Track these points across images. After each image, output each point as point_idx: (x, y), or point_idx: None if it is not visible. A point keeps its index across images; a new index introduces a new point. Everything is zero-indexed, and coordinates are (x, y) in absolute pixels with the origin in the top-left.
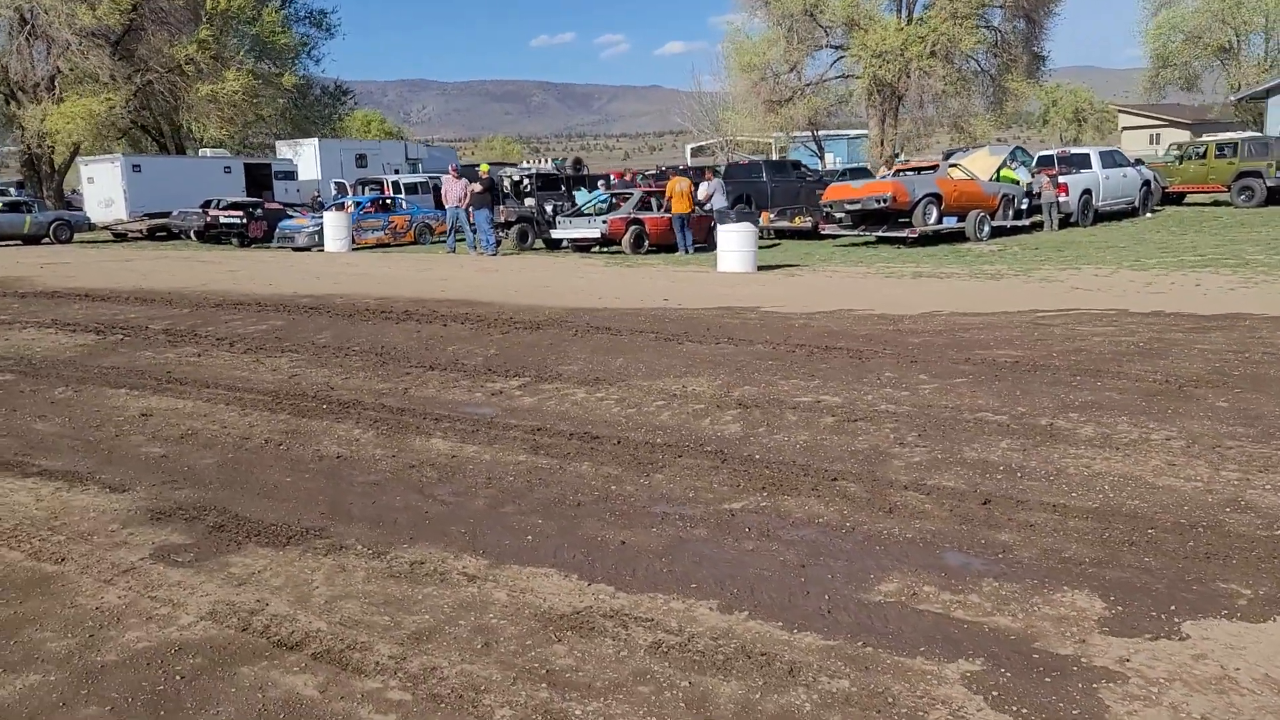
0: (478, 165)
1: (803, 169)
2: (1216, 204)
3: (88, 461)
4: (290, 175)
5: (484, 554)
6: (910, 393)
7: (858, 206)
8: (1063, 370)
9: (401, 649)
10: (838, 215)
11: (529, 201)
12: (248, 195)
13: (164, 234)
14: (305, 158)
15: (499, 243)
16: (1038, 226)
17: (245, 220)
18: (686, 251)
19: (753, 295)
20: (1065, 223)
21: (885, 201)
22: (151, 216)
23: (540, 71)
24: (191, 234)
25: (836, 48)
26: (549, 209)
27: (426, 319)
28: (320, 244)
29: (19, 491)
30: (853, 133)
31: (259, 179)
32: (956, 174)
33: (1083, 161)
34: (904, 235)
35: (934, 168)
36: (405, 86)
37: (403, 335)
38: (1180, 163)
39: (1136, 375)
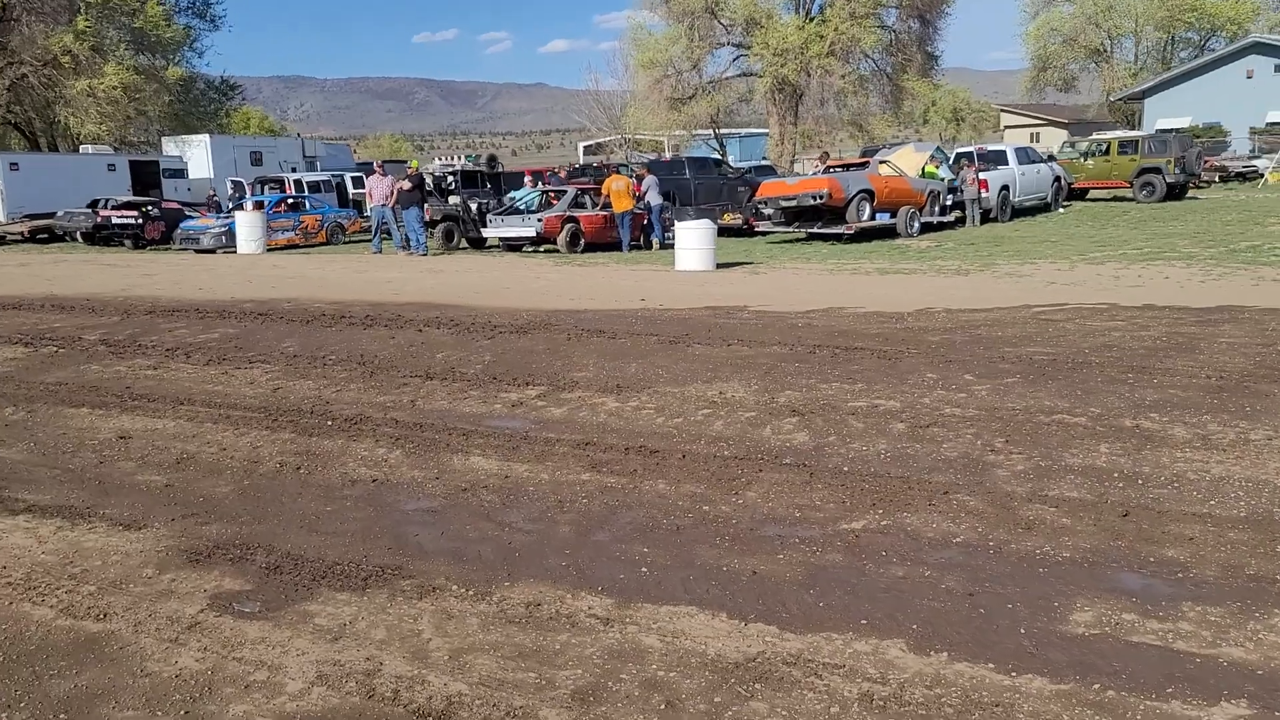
0: (396, 163)
1: (724, 166)
2: (1116, 199)
3: (79, 494)
4: (180, 174)
5: (604, 591)
6: (966, 394)
7: (793, 203)
8: (1106, 367)
9: (572, 713)
10: (768, 212)
11: (453, 199)
12: (134, 194)
13: (46, 236)
14: (195, 155)
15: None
16: (960, 222)
17: (140, 221)
18: (627, 249)
19: (730, 294)
20: (985, 218)
21: (821, 198)
22: (33, 218)
23: (423, 69)
24: (78, 236)
25: (737, 46)
26: (473, 207)
27: (395, 324)
28: (227, 245)
29: (12, 532)
30: (743, 131)
31: (146, 178)
32: (886, 170)
33: (999, 158)
34: (840, 231)
35: (865, 164)
36: (281, 83)
37: (378, 342)
38: (1085, 159)
39: (1185, 371)
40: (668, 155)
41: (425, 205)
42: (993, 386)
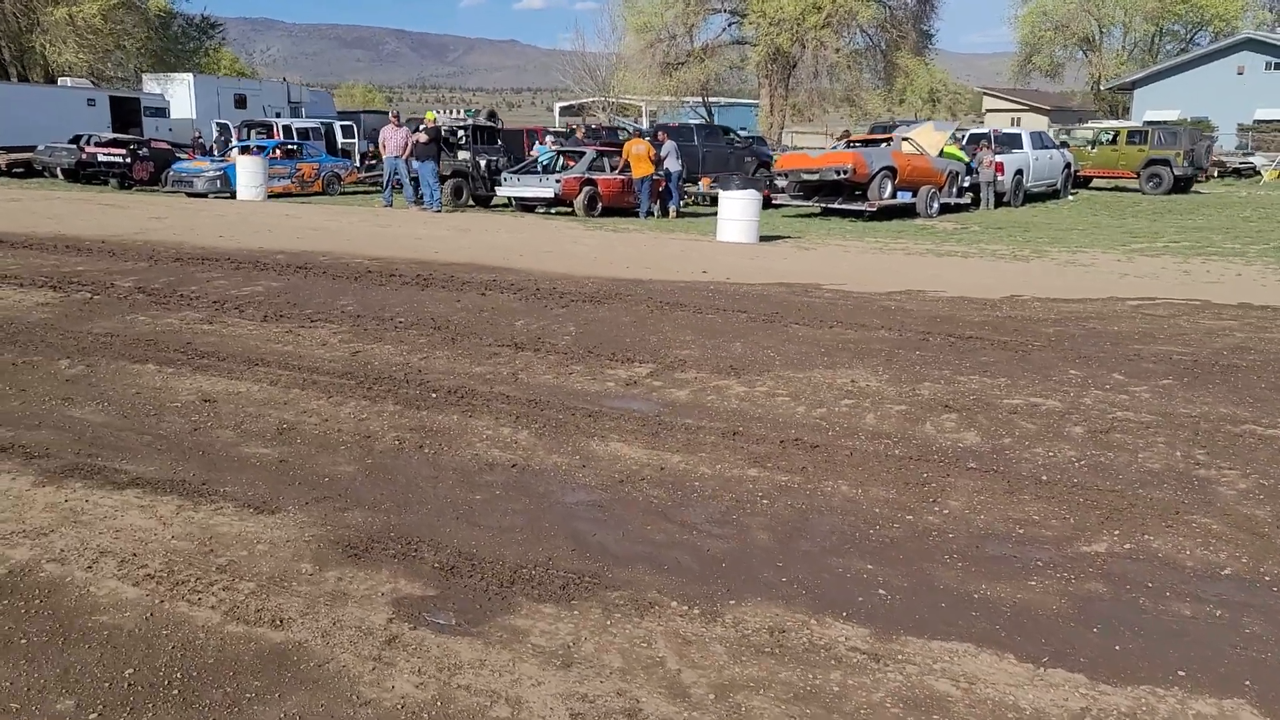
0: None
1: (733, 135)
2: (1118, 189)
3: (185, 467)
4: (161, 112)
5: (851, 618)
6: (1127, 396)
7: (815, 177)
8: (1259, 372)
9: None
10: (782, 185)
11: (462, 155)
12: (114, 131)
13: (22, 170)
14: (178, 95)
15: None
16: (975, 204)
17: (129, 160)
18: (645, 215)
19: (792, 270)
20: (998, 201)
21: (846, 173)
22: (8, 150)
23: (394, 19)
24: (58, 172)
25: (733, 12)
26: (482, 164)
27: (452, 286)
28: (221, 190)
29: (127, 510)
30: (722, 100)
31: (126, 115)
32: (908, 148)
33: (1015, 141)
34: (864, 208)
35: (887, 141)
36: (248, 25)
37: (443, 305)
38: (1092, 147)
39: None
40: (645, 122)
41: (440, 159)
42: (1150, 388)
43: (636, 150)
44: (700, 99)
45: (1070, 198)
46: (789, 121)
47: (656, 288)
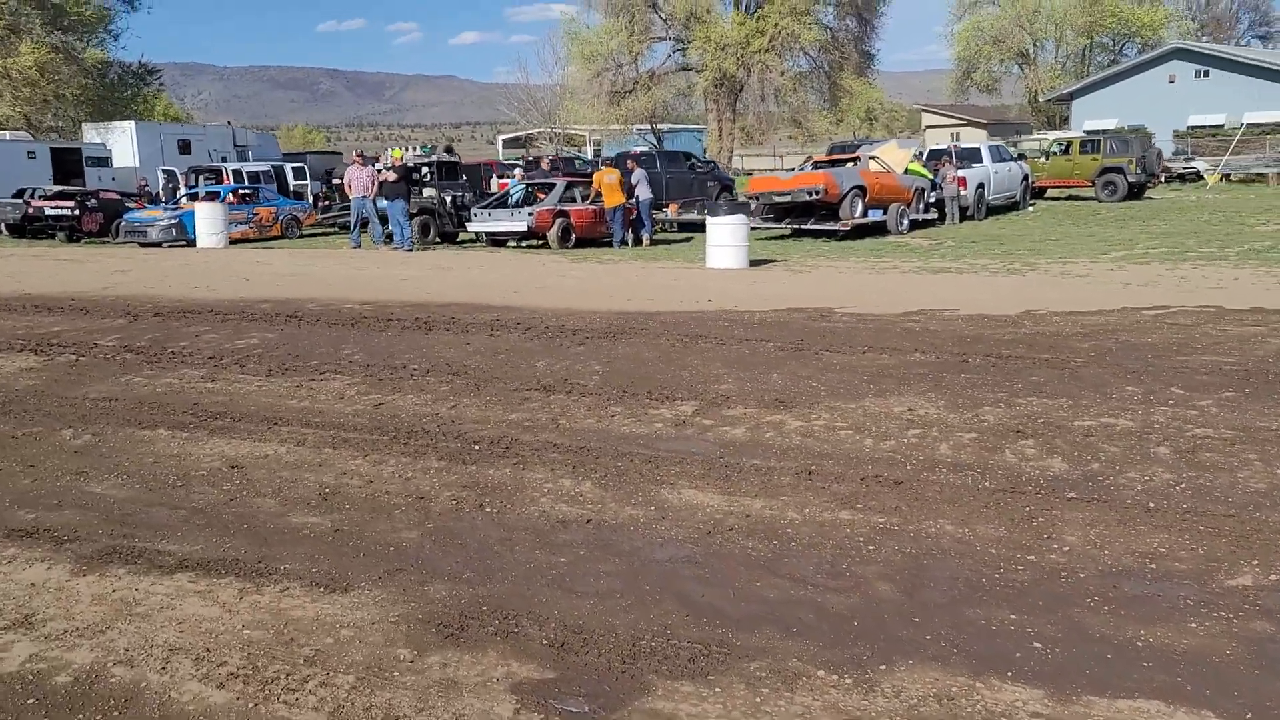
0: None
1: (694, 160)
2: (1072, 198)
3: (232, 542)
4: (103, 162)
5: (1017, 677)
6: (1197, 411)
7: (787, 198)
8: None
9: None
10: (754, 208)
11: (427, 192)
12: (55, 183)
13: None
14: (120, 143)
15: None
16: (940, 219)
17: (77, 211)
18: (619, 245)
19: (797, 295)
20: (963, 216)
21: (817, 194)
22: None
23: (328, 59)
24: (3, 227)
25: (677, 40)
26: (448, 200)
27: (456, 328)
28: (176, 239)
29: (184, 597)
30: (666, 126)
31: (68, 166)
32: (875, 166)
33: (974, 156)
34: (837, 228)
35: (855, 160)
36: (178, 69)
37: (453, 349)
38: (1046, 158)
39: None
40: (589, 151)
41: (410, 198)
42: (1216, 401)
43: (608, 180)
44: (649, 126)
45: (1030, 209)
46: (738, 145)
47: (668, 320)
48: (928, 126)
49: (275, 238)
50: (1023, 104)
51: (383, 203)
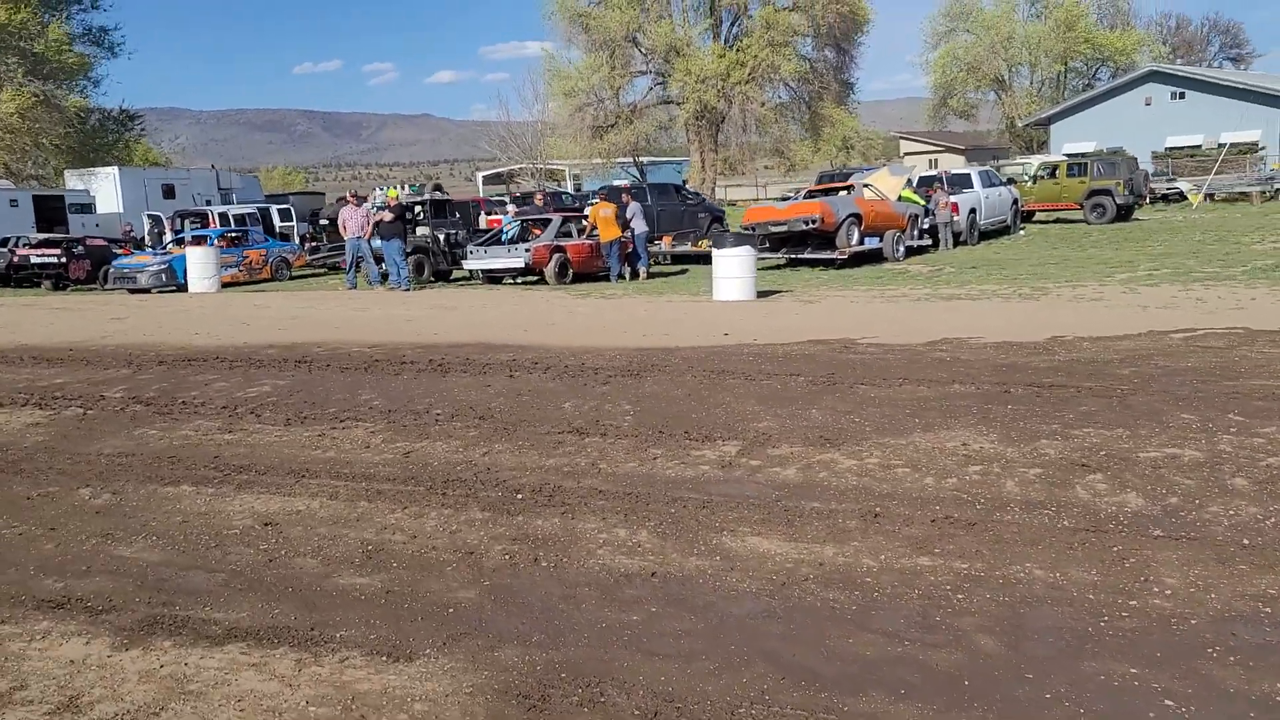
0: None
1: (685, 192)
2: (1060, 221)
3: (279, 608)
4: (87, 208)
5: None
6: (1264, 439)
7: (783, 228)
8: None
9: None
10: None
11: (420, 230)
12: (38, 230)
13: None
14: (103, 189)
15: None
16: (934, 246)
17: (64, 259)
18: (617, 278)
19: (810, 325)
20: (956, 241)
21: (814, 223)
22: None
23: (304, 100)
24: None
25: (658, 74)
26: (441, 238)
27: (473, 369)
28: (166, 284)
29: (238, 671)
30: (647, 159)
31: (50, 213)
32: (869, 194)
33: (965, 182)
34: (834, 256)
35: (849, 188)
36: (155, 115)
37: (474, 391)
38: (1034, 182)
39: None
40: (571, 186)
41: (406, 237)
42: (1277, 431)
43: (604, 214)
44: (632, 159)
45: (1021, 232)
46: (720, 176)
47: (690, 355)
48: (906, 153)
49: (265, 280)
50: (1000, 129)
51: (377, 242)
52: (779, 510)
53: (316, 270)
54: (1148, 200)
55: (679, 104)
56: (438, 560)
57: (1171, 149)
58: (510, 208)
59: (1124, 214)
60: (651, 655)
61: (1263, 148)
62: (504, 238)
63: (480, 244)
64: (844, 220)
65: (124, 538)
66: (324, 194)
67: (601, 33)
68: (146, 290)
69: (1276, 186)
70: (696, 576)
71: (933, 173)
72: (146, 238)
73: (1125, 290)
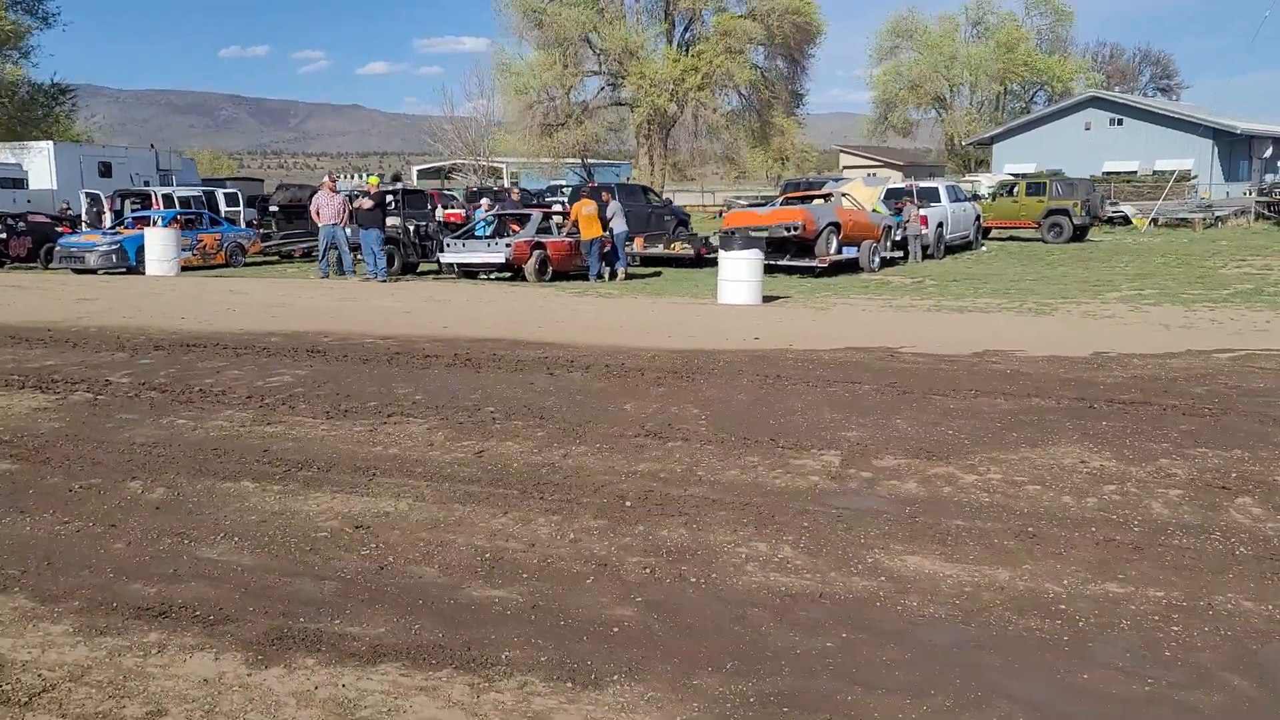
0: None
1: (651, 195)
2: (1014, 239)
3: (418, 623)
4: (19, 184)
5: None
6: None
7: (764, 234)
8: None
9: None
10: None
11: (391, 221)
12: None
13: None
14: (36, 165)
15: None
16: (904, 258)
17: (4, 235)
18: (596, 278)
19: (833, 332)
20: (924, 254)
21: (796, 230)
22: None
23: (230, 84)
24: None
25: (611, 75)
26: (411, 230)
27: (504, 365)
28: (116, 265)
29: (408, 697)
30: (593, 162)
31: None
32: (847, 204)
33: (933, 195)
34: (814, 264)
35: (827, 197)
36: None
37: (519, 389)
38: (993, 199)
39: None
40: (508, 184)
41: (384, 226)
42: None
43: (587, 211)
44: (580, 160)
45: (984, 248)
46: (669, 180)
47: (733, 359)
48: (845, 167)
49: (220, 265)
50: (939, 148)
51: (349, 230)
52: (922, 527)
53: (269, 258)
54: (1102, 222)
55: (631, 107)
56: (571, 572)
57: (1109, 173)
58: (484, 202)
59: (1079, 234)
60: (872, 689)
61: (1195, 176)
62: (479, 232)
63: (457, 237)
64: (824, 229)
65: (201, 538)
66: (263, 180)
67: (555, 30)
68: (94, 271)
69: (1216, 214)
70: (871, 600)
71: (901, 185)
72: (84, 216)
73: (1132, 309)
